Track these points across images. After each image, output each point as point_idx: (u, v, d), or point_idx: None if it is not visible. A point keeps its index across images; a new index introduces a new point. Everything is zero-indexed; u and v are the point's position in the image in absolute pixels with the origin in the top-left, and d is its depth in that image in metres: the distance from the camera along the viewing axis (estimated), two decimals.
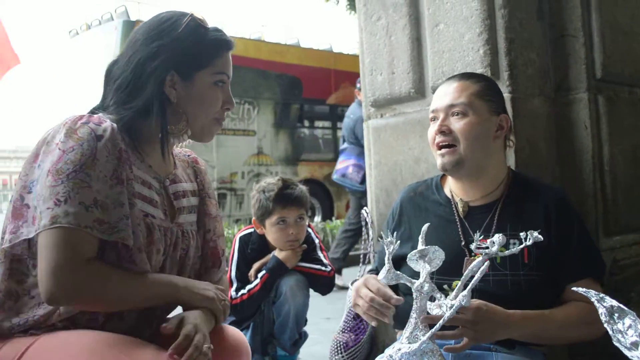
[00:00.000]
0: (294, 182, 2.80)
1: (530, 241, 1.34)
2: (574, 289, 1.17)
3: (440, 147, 1.70)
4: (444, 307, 1.31)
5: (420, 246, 1.38)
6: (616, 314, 1.03)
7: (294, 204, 2.68)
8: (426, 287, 1.34)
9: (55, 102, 10.90)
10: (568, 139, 2.21)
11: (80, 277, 1.25)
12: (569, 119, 2.22)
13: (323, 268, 2.71)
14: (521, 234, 1.37)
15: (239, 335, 1.62)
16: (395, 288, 1.76)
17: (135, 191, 1.38)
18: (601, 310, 1.04)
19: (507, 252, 1.35)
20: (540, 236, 1.34)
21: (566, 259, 1.63)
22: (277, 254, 2.67)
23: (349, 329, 2.22)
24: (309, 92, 11.80)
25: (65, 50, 11.16)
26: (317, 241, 2.82)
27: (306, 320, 2.75)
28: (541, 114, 2.18)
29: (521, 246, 1.35)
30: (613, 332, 1.02)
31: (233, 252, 2.75)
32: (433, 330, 1.28)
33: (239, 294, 2.61)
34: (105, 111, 1.43)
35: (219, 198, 10.07)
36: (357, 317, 2.25)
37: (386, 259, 1.39)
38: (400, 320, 1.78)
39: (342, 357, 2.12)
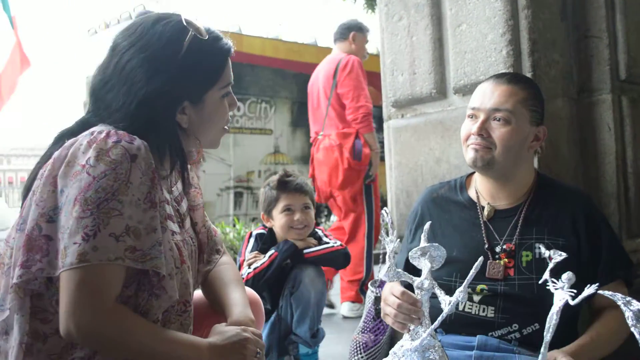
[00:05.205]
0: (296, 173, 2.85)
1: (553, 264, 1.28)
2: (600, 292, 1.17)
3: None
4: (443, 303, 1.31)
5: (423, 244, 1.38)
6: None
7: (298, 190, 2.72)
8: (426, 284, 1.35)
9: (74, 100, 11.02)
10: (591, 140, 2.20)
11: (101, 320, 1.16)
12: (592, 121, 2.20)
13: (333, 244, 2.73)
14: (544, 251, 1.32)
15: (252, 294, 1.67)
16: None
17: (167, 213, 1.31)
18: (628, 314, 1.04)
19: (549, 269, 1.29)
20: (564, 253, 1.29)
21: (595, 262, 1.63)
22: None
23: (368, 329, 2.22)
24: None
25: (84, 48, 11.27)
26: (319, 231, 2.85)
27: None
28: (564, 115, 2.17)
29: (548, 268, 1.28)
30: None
31: (247, 244, 2.78)
32: (433, 326, 1.28)
33: (244, 272, 2.61)
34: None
35: (235, 197, 10.12)
36: (376, 317, 2.25)
37: (387, 257, 1.38)
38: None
39: (362, 357, 2.12)
